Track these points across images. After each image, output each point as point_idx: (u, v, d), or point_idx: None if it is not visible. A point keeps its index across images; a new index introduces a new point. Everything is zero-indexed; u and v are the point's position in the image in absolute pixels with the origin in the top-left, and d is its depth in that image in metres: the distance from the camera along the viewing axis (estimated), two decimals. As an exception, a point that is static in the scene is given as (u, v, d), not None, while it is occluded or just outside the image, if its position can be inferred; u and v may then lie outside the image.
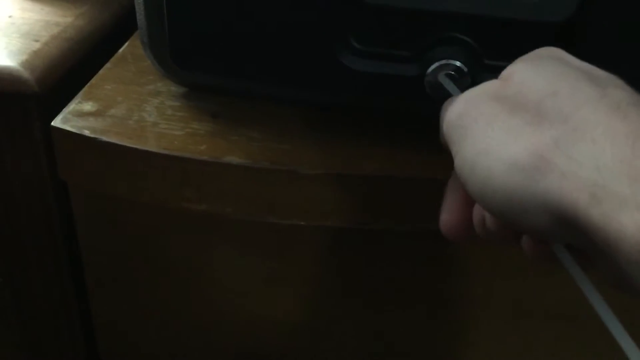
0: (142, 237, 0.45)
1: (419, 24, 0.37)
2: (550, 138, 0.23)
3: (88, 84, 0.45)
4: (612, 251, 0.21)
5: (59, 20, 0.52)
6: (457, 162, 0.26)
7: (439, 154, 0.32)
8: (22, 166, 0.48)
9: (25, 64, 0.46)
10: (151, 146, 0.40)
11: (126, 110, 0.43)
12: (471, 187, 0.25)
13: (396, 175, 0.39)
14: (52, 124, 0.41)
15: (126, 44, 0.51)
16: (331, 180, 0.39)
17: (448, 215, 0.29)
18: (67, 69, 0.49)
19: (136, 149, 0.39)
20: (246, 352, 0.50)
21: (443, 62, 0.37)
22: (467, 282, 0.45)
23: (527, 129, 0.24)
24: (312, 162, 0.39)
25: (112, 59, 0.49)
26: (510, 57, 0.37)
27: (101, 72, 0.47)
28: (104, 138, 0.40)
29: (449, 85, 0.35)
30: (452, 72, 0.36)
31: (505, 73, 0.27)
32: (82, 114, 0.42)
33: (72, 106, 0.43)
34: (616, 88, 0.24)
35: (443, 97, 0.35)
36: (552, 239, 0.25)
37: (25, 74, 0.45)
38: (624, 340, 0.22)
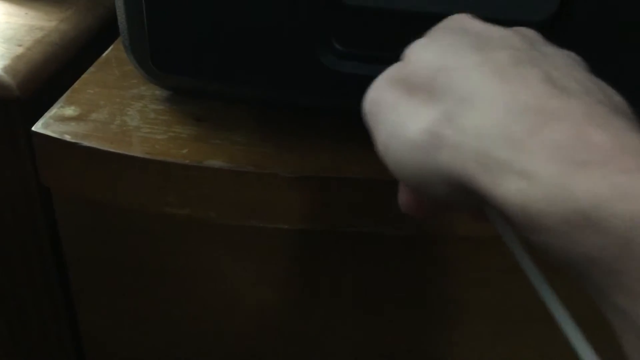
0: (126, 242, 0.44)
1: (400, 24, 0.36)
2: (440, 113, 0.23)
3: (70, 88, 0.45)
4: (505, 218, 0.21)
5: (43, 24, 0.52)
6: (376, 147, 0.27)
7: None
8: (5, 172, 0.48)
9: (8, 69, 0.46)
10: (133, 150, 0.39)
11: (108, 115, 0.42)
12: (391, 169, 0.26)
13: (379, 178, 0.39)
14: (33, 128, 0.41)
15: (110, 47, 0.51)
16: (314, 184, 0.39)
17: (403, 195, 0.30)
18: (51, 73, 0.49)
19: (117, 154, 0.39)
20: (235, 356, 0.50)
21: (425, 62, 0.36)
22: (454, 284, 0.45)
23: (422, 108, 0.24)
24: (294, 166, 0.39)
25: (96, 63, 0.49)
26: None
27: (84, 76, 0.47)
28: (85, 143, 0.39)
29: None
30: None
31: (404, 53, 0.28)
32: (63, 119, 0.42)
33: (53, 111, 0.42)
34: (502, 50, 0.24)
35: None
36: (466, 208, 0.26)
37: (7, 79, 0.45)
38: (555, 309, 0.23)
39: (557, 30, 0.35)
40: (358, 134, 0.42)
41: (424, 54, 0.26)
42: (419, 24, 0.36)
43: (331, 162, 0.40)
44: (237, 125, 0.42)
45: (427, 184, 0.24)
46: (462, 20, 0.28)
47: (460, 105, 0.23)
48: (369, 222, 0.40)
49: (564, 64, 0.24)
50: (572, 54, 0.26)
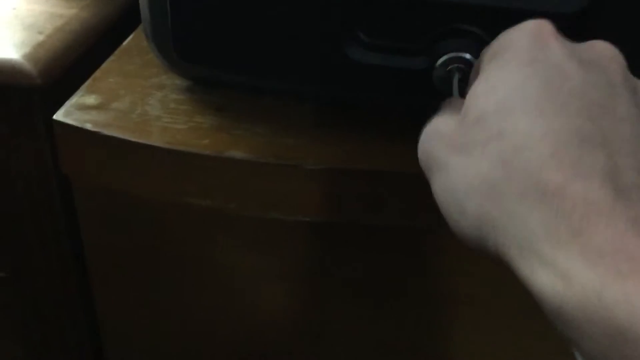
0: (145, 232, 0.44)
1: (427, 15, 0.36)
2: (488, 186, 0.23)
3: (91, 76, 0.45)
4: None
5: (63, 12, 0.52)
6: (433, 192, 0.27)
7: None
8: (25, 160, 0.47)
9: (28, 56, 0.45)
10: (153, 140, 0.39)
11: (129, 104, 0.42)
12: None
13: (403, 171, 0.38)
14: (54, 117, 0.41)
15: (131, 36, 0.51)
16: (336, 176, 0.38)
17: None
18: (71, 61, 0.49)
19: (138, 143, 0.39)
20: (250, 347, 0.49)
21: (452, 54, 0.36)
22: (473, 279, 0.44)
23: (472, 176, 0.24)
24: (317, 157, 0.39)
25: (117, 52, 0.48)
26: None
27: (105, 64, 0.46)
28: (106, 132, 0.39)
29: (454, 83, 0.34)
30: (462, 66, 0.36)
31: (466, 104, 0.26)
32: (84, 107, 0.41)
33: (74, 99, 0.42)
34: (571, 115, 0.23)
35: (452, 91, 0.35)
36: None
37: (28, 67, 0.45)
38: None
39: (588, 23, 0.34)
40: (383, 125, 0.42)
41: (484, 104, 0.25)
42: (446, 15, 0.36)
43: (355, 154, 0.39)
44: (259, 116, 0.42)
45: (476, 247, 0.25)
46: (542, 40, 0.25)
47: (508, 183, 0.23)
48: (391, 214, 0.40)
49: (634, 136, 0.23)
50: None
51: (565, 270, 0.20)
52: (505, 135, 0.23)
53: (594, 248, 0.20)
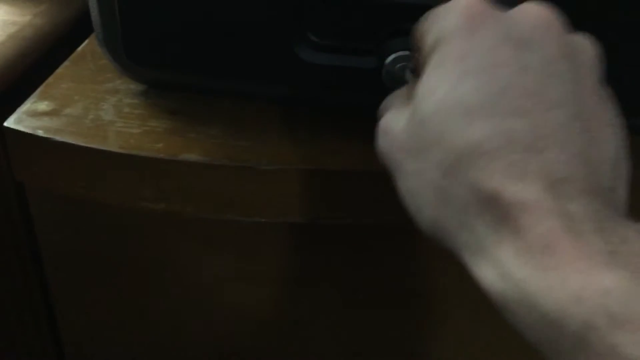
0: (101, 238, 0.44)
1: (376, 15, 0.36)
2: (436, 194, 0.24)
3: (44, 83, 0.44)
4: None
5: (17, 19, 0.51)
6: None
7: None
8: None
9: (-20, 64, 0.45)
10: (107, 145, 0.39)
11: (82, 109, 0.42)
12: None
13: (356, 170, 0.39)
14: (5, 124, 0.40)
15: (86, 41, 0.50)
16: (290, 176, 0.39)
17: None
18: (25, 68, 0.48)
19: (91, 148, 0.39)
20: (219, 352, 0.49)
21: (401, 53, 0.36)
22: (437, 277, 0.45)
23: (423, 182, 0.25)
24: (271, 158, 0.39)
25: (71, 57, 0.48)
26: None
27: (59, 70, 0.46)
28: (58, 138, 0.39)
29: (407, 77, 0.35)
30: (411, 64, 0.36)
31: (412, 104, 0.26)
32: (36, 114, 0.41)
33: (26, 106, 0.42)
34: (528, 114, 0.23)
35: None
36: None
37: (-20, 74, 0.44)
38: None
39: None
40: (335, 125, 0.42)
41: (425, 105, 0.24)
42: (395, 14, 0.36)
43: (308, 154, 0.40)
44: (213, 119, 0.42)
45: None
46: (473, 22, 0.24)
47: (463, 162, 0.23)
48: (346, 213, 0.40)
49: (566, 121, 0.23)
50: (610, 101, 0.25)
51: (505, 268, 0.21)
52: (444, 140, 0.23)
53: (526, 246, 0.21)
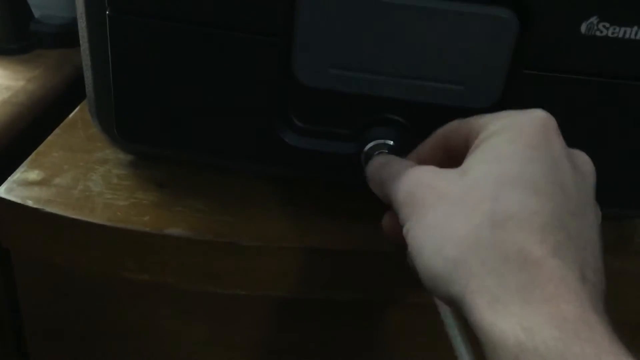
0: (86, 306, 0.45)
1: (356, 105, 0.38)
2: (474, 239, 0.26)
3: (35, 151, 0.46)
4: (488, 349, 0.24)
5: (10, 84, 0.53)
6: (407, 228, 0.29)
7: (377, 228, 0.34)
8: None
9: (-27, 129, 0.46)
10: (94, 217, 0.40)
11: (72, 179, 0.43)
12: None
13: (337, 248, 0.40)
14: (-4, 193, 0.41)
15: (77, 108, 0.52)
16: (271, 253, 0.40)
17: (387, 219, 0.34)
18: (17, 133, 0.49)
19: (79, 220, 0.40)
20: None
21: (379, 141, 0.38)
22: (408, 348, 0.46)
23: (459, 224, 0.26)
24: (253, 235, 0.40)
25: (62, 125, 0.50)
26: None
27: (50, 138, 0.48)
28: (47, 209, 0.40)
29: None
30: (386, 151, 0.38)
31: (468, 165, 0.29)
32: (26, 183, 0.42)
33: (17, 175, 0.43)
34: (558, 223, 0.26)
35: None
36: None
37: (-28, 140, 0.46)
38: None
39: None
40: (317, 203, 0.44)
41: (487, 169, 0.28)
42: (374, 106, 0.38)
43: (290, 231, 0.41)
44: (200, 192, 0.43)
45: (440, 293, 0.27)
46: (548, 131, 0.29)
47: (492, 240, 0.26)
48: (326, 289, 0.42)
49: (594, 241, 0.27)
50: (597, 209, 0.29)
51: (531, 325, 0.23)
52: (500, 200, 0.26)
53: (561, 313, 0.23)
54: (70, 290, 0.44)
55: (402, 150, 0.38)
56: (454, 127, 0.32)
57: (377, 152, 0.38)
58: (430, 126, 0.38)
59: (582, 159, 0.30)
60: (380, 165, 0.34)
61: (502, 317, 0.24)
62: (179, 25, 0.36)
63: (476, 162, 0.28)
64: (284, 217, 0.42)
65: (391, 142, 0.38)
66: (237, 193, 0.44)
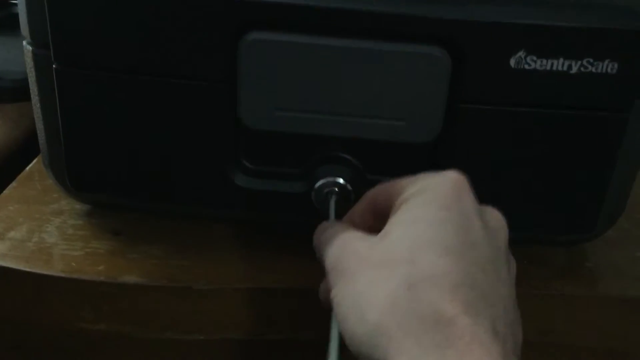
0: (41, 356, 0.44)
1: (304, 145, 0.39)
2: (392, 302, 0.26)
3: (-10, 205, 0.46)
4: None
5: (-33, 139, 0.53)
6: (334, 294, 0.29)
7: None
8: None
9: None
10: (49, 269, 0.40)
11: (26, 232, 0.43)
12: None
13: (291, 287, 0.41)
14: (-50, 249, 0.41)
15: (34, 161, 0.52)
16: (228, 295, 0.40)
17: (324, 286, 0.34)
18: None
19: (32, 273, 0.40)
20: None
21: (328, 179, 0.39)
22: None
23: (379, 289, 0.27)
24: (208, 278, 0.40)
25: (18, 178, 0.50)
26: (389, 171, 0.40)
27: (5, 192, 0.48)
28: (1, 263, 0.40)
29: (331, 205, 0.38)
30: (336, 189, 0.39)
31: (388, 228, 0.30)
32: (-20, 238, 0.42)
33: (-29, 230, 0.43)
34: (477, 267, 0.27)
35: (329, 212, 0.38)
36: None
37: None
38: None
39: (439, 151, 0.38)
40: (273, 243, 0.44)
41: (404, 232, 0.28)
42: (321, 144, 0.39)
43: (245, 272, 0.41)
44: (155, 238, 0.44)
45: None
46: (459, 191, 0.30)
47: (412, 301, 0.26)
48: (283, 328, 0.42)
49: (507, 297, 0.28)
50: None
51: None
52: (415, 263, 0.27)
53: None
54: (26, 344, 0.44)
55: (353, 188, 0.39)
56: (379, 190, 0.33)
57: (326, 190, 0.39)
58: (378, 161, 0.40)
59: (494, 215, 0.31)
60: (319, 230, 0.34)
61: None
62: (125, 77, 0.37)
63: (394, 226, 0.29)
64: (239, 259, 0.42)
65: (340, 180, 0.39)
66: (193, 237, 0.44)
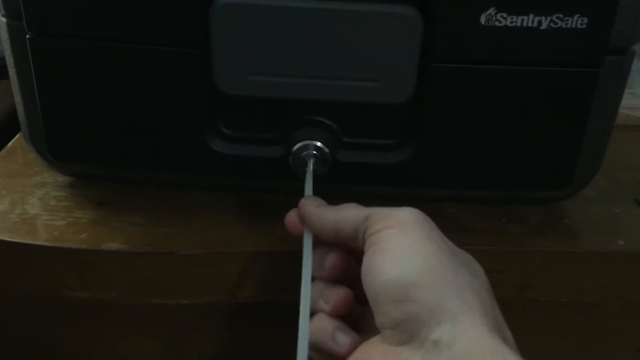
0: (32, 329, 0.45)
1: (279, 109, 0.40)
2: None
3: (-27, 179, 0.46)
4: None
5: (-51, 116, 0.53)
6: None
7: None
8: None
9: None
10: (31, 239, 0.40)
11: (9, 204, 0.44)
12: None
13: (272, 250, 0.41)
14: None
15: (17, 136, 0.53)
16: (210, 259, 0.41)
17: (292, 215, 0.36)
18: (-44, 164, 0.50)
19: (16, 243, 0.40)
20: None
21: (305, 142, 0.40)
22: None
23: None
24: (191, 244, 0.41)
25: (1, 153, 0.50)
26: (366, 134, 0.40)
27: (-12, 166, 0.48)
28: (-16, 234, 0.41)
29: (309, 167, 0.38)
30: (314, 152, 0.39)
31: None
32: (-37, 211, 0.43)
33: (-46, 203, 0.43)
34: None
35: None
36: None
37: None
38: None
39: (414, 112, 0.39)
40: (251, 208, 0.45)
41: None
42: (297, 108, 0.40)
43: (229, 237, 0.42)
44: (137, 207, 0.44)
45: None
46: (426, 221, 0.31)
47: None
48: (265, 291, 0.42)
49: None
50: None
51: None
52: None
53: None
54: (16, 315, 0.44)
55: (330, 151, 0.40)
56: (343, 218, 0.34)
57: (304, 153, 0.40)
58: (353, 123, 0.40)
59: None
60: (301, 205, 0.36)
61: None
62: (99, 45, 0.37)
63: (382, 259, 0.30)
64: (221, 225, 0.43)
65: (318, 143, 0.40)
66: (175, 205, 0.45)
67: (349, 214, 0.33)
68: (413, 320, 0.27)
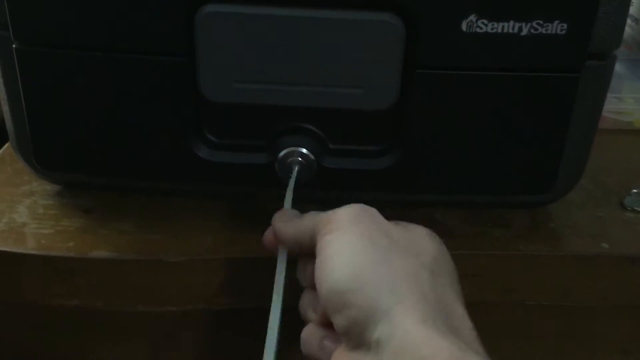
0: (20, 336, 0.45)
1: (265, 116, 0.40)
2: None
3: (-39, 189, 0.46)
4: None
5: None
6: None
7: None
8: None
9: None
10: (18, 247, 0.41)
11: (-4, 213, 0.44)
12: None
13: (260, 257, 0.41)
14: None
15: (5, 145, 0.53)
16: (197, 266, 0.41)
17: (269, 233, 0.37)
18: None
19: (4, 251, 0.40)
20: None
21: (291, 149, 0.40)
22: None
23: None
24: (178, 250, 0.41)
25: (-11, 162, 0.50)
26: (351, 140, 0.41)
27: (-23, 175, 0.48)
28: (-29, 243, 0.41)
29: (294, 174, 0.39)
30: (300, 159, 0.40)
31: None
32: (-49, 220, 0.43)
33: (-59, 212, 0.44)
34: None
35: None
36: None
37: None
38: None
39: (398, 117, 0.39)
40: (238, 215, 0.45)
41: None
42: (283, 115, 0.40)
43: (214, 244, 0.42)
44: (125, 215, 0.44)
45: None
46: (366, 211, 0.32)
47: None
48: (252, 298, 0.43)
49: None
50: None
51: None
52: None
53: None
54: (4, 323, 0.44)
55: (316, 157, 0.40)
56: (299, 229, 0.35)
57: (289, 160, 0.40)
58: (339, 130, 0.40)
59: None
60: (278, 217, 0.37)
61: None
62: (84, 54, 0.37)
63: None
64: (208, 232, 0.43)
65: (303, 150, 0.40)
66: (162, 213, 0.45)
67: (303, 226, 0.34)
68: (355, 325, 0.28)
